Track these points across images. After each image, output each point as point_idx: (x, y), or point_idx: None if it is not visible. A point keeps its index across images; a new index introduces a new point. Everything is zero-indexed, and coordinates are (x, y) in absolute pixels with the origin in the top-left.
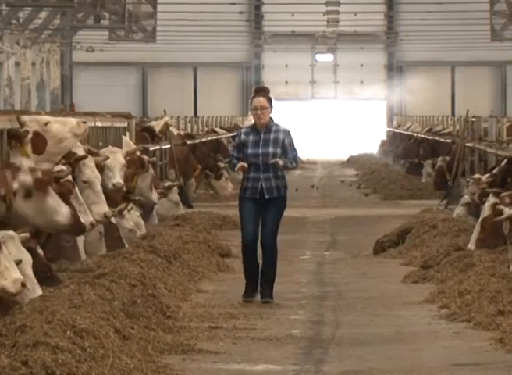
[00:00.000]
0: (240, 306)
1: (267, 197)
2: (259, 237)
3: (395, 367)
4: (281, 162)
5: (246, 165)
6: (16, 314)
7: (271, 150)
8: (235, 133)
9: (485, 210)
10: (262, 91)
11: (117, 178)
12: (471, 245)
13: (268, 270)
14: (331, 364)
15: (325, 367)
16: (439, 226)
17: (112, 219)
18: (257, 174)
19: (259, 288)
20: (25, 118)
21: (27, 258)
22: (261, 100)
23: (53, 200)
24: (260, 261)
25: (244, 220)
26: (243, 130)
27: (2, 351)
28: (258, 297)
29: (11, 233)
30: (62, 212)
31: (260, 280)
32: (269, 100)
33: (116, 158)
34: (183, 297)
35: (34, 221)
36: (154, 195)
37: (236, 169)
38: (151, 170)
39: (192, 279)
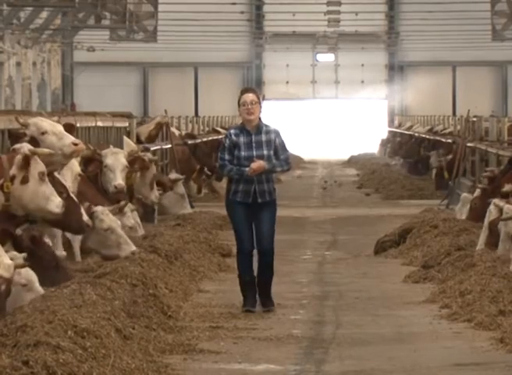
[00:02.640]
0: (241, 306)
1: (260, 201)
2: (255, 244)
3: (395, 367)
4: (267, 167)
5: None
6: (17, 314)
7: (265, 152)
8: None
9: (492, 212)
10: (250, 89)
11: (118, 179)
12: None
13: (267, 278)
14: (332, 364)
15: (325, 367)
16: (439, 226)
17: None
18: (250, 177)
19: (258, 297)
20: (30, 120)
21: (35, 277)
22: (250, 95)
23: (48, 188)
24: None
25: (239, 227)
26: (231, 130)
27: (3, 351)
28: (259, 307)
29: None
30: (56, 202)
31: (258, 288)
32: (258, 97)
33: (118, 159)
34: (184, 297)
35: (29, 207)
36: (154, 194)
37: (246, 173)
38: (153, 169)
39: (193, 279)
